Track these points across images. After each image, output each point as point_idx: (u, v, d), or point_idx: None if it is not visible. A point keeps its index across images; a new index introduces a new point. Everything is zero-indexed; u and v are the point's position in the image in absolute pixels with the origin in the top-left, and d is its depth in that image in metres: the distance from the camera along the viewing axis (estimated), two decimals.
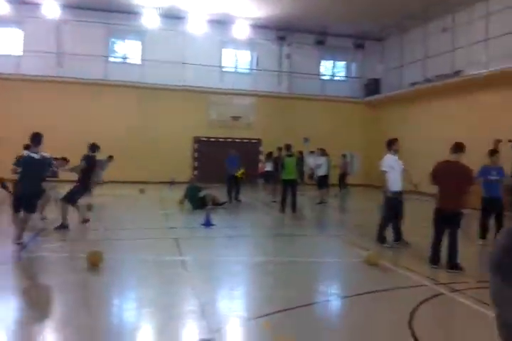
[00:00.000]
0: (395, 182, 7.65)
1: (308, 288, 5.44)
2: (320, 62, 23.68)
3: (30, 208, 7.08)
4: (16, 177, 7.46)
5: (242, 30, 21.06)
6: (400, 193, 7.74)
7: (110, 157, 14.45)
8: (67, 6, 19.13)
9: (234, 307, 4.72)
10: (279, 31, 22.14)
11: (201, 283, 5.42)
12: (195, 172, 21.05)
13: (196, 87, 20.58)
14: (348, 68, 24.38)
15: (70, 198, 8.88)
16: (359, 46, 23.38)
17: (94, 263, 5.86)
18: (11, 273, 5.96)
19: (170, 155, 20.32)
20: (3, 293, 5.00)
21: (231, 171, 13.81)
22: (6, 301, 4.77)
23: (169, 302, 4.77)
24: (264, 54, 22.26)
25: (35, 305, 4.73)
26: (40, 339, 3.87)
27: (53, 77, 19.40)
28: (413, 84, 19.18)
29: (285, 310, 4.47)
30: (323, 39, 22.66)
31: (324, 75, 24.06)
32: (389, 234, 7.75)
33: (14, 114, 18.48)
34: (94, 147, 9.52)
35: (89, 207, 11.38)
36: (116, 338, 3.89)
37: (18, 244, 6.87)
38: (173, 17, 20.26)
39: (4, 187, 9.71)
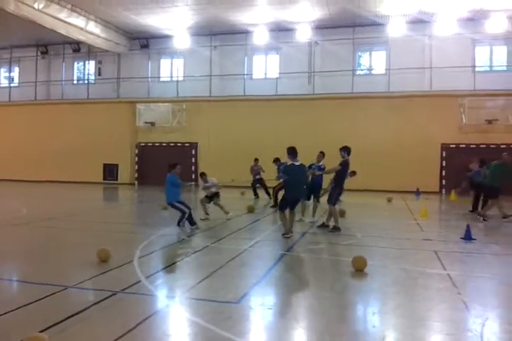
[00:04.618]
0: None
1: None
2: None
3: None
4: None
5: (498, 25, 19.05)
6: None
7: (353, 172, 14.81)
8: (318, 27, 20.79)
9: None
10: None
11: (471, 301, 5.10)
12: (444, 182, 20.14)
13: (445, 91, 19.52)
14: None
15: (332, 200, 9.64)
16: None
17: (359, 267, 6.18)
18: (277, 270, 6.74)
19: (416, 164, 19.84)
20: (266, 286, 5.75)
21: None
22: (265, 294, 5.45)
23: (432, 315, 4.67)
24: None
25: (293, 299, 5.27)
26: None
27: (305, 94, 21.29)
28: None
29: None
30: None
31: None
32: None
33: (272, 129, 20.97)
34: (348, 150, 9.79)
35: (342, 213, 12.01)
36: None
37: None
38: (418, 22, 19.78)
39: None
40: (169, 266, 6.55)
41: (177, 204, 9.64)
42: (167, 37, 22.82)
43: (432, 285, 5.75)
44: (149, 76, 23.95)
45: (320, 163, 11.26)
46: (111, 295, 5.06)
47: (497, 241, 8.90)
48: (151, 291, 5.31)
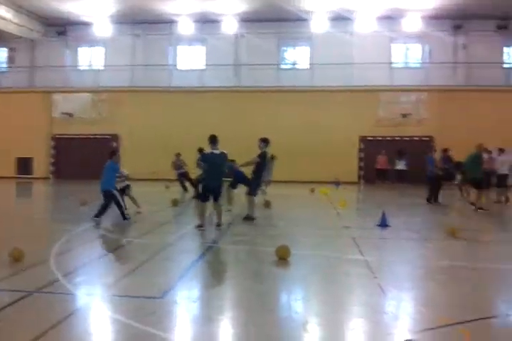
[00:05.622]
0: None
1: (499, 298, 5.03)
2: (502, 50, 21.43)
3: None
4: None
5: (413, 24, 20.34)
6: None
7: (272, 157, 14.98)
8: (243, 20, 20.81)
9: (426, 312, 4.60)
10: (455, 20, 20.64)
11: (387, 284, 5.41)
12: (362, 173, 21.16)
13: (365, 86, 20.44)
14: None
15: (251, 191, 9.77)
16: None
17: (283, 256, 6.32)
18: (202, 263, 6.74)
19: (336, 156, 20.63)
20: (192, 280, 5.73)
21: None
22: (191, 288, 5.46)
23: (351, 300, 4.92)
24: (437, 46, 21.02)
25: (218, 291, 5.32)
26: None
27: (231, 87, 21.30)
28: None
29: (482, 318, 4.24)
30: (505, 24, 20.53)
31: (509, 63, 21.70)
32: None
33: (196, 121, 20.76)
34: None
35: (267, 204, 12.20)
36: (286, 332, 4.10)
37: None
38: (340, 18, 20.47)
39: None
40: (89, 263, 6.29)
41: (115, 193, 9.04)
42: (86, 24, 21.73)
43: (351, 271, 6.02)
44: (67, 65, 22.68)
45: None
46: (26, 296, 4.76)
47: (409, 227, 9.50)
48: (69, 290, 5.06)
